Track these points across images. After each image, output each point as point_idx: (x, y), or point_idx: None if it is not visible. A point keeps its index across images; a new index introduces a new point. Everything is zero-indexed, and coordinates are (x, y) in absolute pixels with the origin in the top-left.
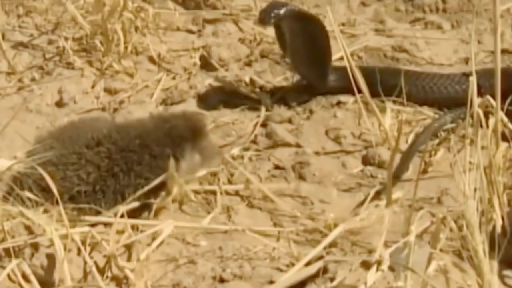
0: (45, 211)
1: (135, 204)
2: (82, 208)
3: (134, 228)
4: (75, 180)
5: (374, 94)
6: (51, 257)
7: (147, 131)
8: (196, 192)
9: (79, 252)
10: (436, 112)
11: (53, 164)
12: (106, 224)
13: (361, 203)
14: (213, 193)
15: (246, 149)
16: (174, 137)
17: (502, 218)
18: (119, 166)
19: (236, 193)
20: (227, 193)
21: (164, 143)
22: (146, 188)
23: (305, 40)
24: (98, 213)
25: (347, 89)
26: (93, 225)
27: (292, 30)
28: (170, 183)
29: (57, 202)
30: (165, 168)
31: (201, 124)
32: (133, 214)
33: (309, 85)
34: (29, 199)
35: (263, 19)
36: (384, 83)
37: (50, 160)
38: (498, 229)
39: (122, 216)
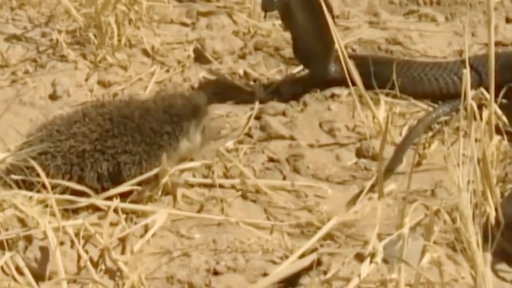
0: (39, 201)
1: (128, 188)
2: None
3: (128, 219)
4: (79, 137)
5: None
6: (44, 250)
7: (147, 107)
8: (190, 185)
9: (72, 244)
10: (430, 104)
11: (60, 121)
12: (97, 209)
13: (355, 196)
14: (207, 186)
15: (240, 142)
16: (173, 115)
17: (496, 210)
18: (119, 129)
19: (231, 185)
20: (221, 185)
21: (163, 120)
22: (138, 179)
23: (309, 24)
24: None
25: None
26: (88, 207)
27: (297, 13)
28: (161, 175)
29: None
30: (162, 145)
31: (202, 104)
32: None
33: (311, 75)
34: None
35: (266, 4)
36: (384, 73)
37: (56, 121)
38: (492, 221)
39: (115, 210)
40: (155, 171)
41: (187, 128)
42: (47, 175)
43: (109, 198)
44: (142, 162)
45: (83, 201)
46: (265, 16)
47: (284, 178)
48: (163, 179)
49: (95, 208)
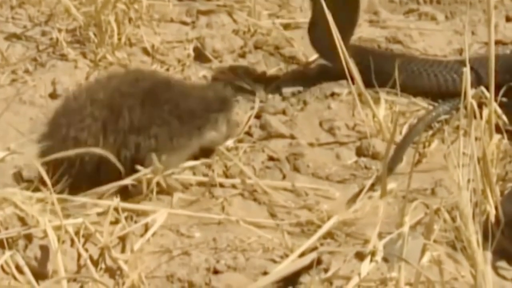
0: (39, 200)
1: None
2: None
3: (128, 218)
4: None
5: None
6: (44, 249)
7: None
8: (189, 184)
9: (72, 243)
10: (430, 103)
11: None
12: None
13: (356, 195)
14: (207, 184)
15: (240, 141)
16: (206, 103)
17: (496, 209)
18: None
19: (231, 184)
20: (221, 184)
21: (197, 105)
22: (133, 176)
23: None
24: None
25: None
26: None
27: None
28: (154, 174)
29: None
30: (191, 129)
31: (229, 96)
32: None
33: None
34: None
35: None
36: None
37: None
38: (492, 220)
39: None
40: (147, 170)
41: (215, 118)
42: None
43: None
44: (173, 140)
45: (83, 200)
46: None
47: (284, 177)
48: (155, 178)
49: None
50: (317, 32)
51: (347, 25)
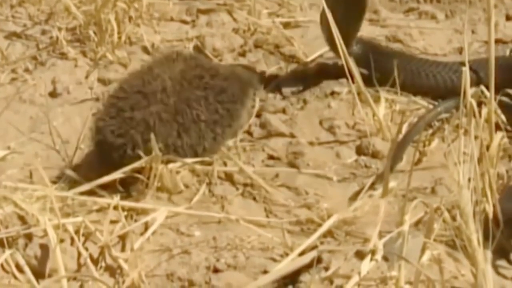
0: (39, 198)
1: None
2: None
3: (128, 216)
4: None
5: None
6: (44, 248)
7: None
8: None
9: (72, 242)
10: (430, 102)
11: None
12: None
13: (356, 194)
14: (207, 183)
15: (240, 140)
16: (239, 81)
17: (494, 208)
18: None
19: (230, 183)
20: (221, 183)
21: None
22: (132, 166)
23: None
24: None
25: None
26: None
27: None
28: (154, 164)
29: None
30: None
31: (252, 84)
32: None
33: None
34: None
35: None
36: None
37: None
38: (491, 219)
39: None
40: (146, 158)
41: (247, 94)
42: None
43: (105, 185)
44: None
45: (82, 198)
46: None
47: (284, 176)
48: (157, 165)
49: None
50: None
51: (353, 20)
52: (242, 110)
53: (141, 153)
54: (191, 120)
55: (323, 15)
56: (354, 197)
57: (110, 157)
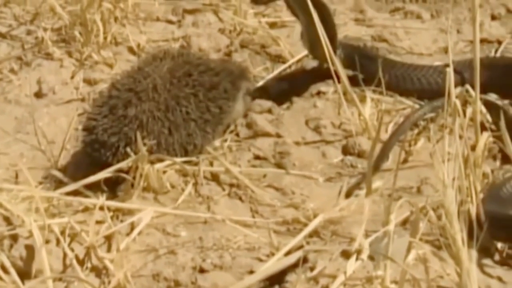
0: (24, 199)
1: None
2: None
3: (114, 217)
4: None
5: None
6: (30, 248)
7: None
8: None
9: (58, 243)
10: (416, 101)
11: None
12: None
13: (342, 193)
14: (193, 183)
15: (227, 140)
16: (231, 77)
17: (478, 208)
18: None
19: (217, 183)
20: (207, 183)
21: (222, 79)
22: (118, 165)
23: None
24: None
25: (348, 67)
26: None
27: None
28: (140, 164)
29: None
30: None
31: (247, 69)
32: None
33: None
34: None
35: None
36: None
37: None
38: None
39: (101, 208)
40: (133, 158)
41: (239, 87)
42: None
43: (91, 186)
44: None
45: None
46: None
47: (270, 175)
48: (143, 165)
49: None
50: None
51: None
52: (235, 105)
53: (131, 153)
54: (181, 118)
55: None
56: (340, 196)
57: (102, 156)
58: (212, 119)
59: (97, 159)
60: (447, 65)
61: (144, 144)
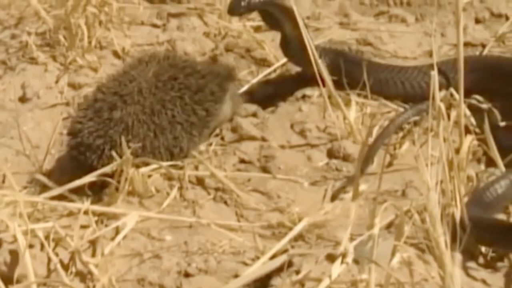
0: (8, 204)
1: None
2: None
3: (99, 221)
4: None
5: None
6: (14, 254)
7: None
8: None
9: (42, 247)
10: (400, 105)
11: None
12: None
13: (327, 197)
14: (178, 187)
15: (212, 144)
16: (216, 77)
17: (462, 211)
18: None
19: (202, 187)
20: (192, 187)
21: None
22: (103, 169)
23: (283, 24)
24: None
25: (332, 73)
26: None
27: (270, 15)
28: (125, 168)
29: None
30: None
31: (232, 70)
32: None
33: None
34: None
35: (233, 9)
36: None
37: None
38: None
39: (86, 212)
40: (118, 162)
41: (226, 89)
42: None
43: (75, 190)
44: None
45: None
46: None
47: (256, 179)
48: (128, 168)
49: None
50: (290, 48)
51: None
52: (222, 107)
53: (116, 156)
54: (166, 121)
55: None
56: (325, 200)
57: (88, 159)
58: (199, 122)
59: (82, 162)
60: (431, 66)
61: (129, 147)
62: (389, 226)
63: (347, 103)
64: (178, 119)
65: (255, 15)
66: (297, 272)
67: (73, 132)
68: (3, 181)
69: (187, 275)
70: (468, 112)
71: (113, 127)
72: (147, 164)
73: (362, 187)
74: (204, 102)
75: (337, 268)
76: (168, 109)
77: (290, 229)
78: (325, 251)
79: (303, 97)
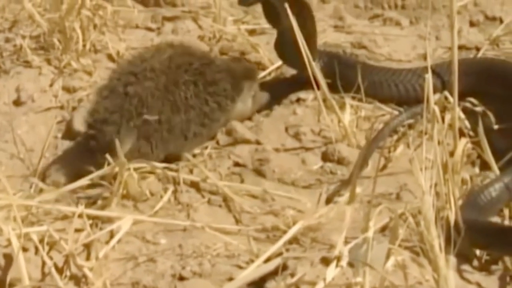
0: (2, 207)
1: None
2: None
3: (93, 225)
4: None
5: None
6: (8, 257)
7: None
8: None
9: (37, 251)
10: (395, 108)
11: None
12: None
13: (321, 200)
14: (173, 191)
15: (206, 147)
16: (232, 74)
17: (456, 214)
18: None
19: (196, 190)
20: (187, 190)
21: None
22: (97, 173)
23: (283, 21)
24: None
25: (327, 76)
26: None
27: (273, 10)
28: (120, 170)
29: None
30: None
31: (254, 68)
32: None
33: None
34: None
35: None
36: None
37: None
38: (453, 225)
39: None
40: (113, 165)
41: (241, 88)
42: None
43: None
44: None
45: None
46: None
47: (250, 182)
48: (122, 172)
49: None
50: (285, 49)
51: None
52: (235, 105)
53: (110, 159)
54: (180, 101)
55: (278, 45)
56: (320, 203)
57: (106, 134)
58: (210, 113)
59: (100, 139)
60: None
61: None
62: (383, 229)
63: (342, 106)
64: (190, 103)
65: (250, 18)
66: (292, 275)
67: (90, 111)
68: None
69: (181, 278)
70: (462, 115)
71: (128, 101)
72: (141, 168)
73: (357, 190)
74: (216, 96)
75: (331, 271)
76: (181, 90)
77: (285, 232)
78: (319, 254)
79: (298, 100)
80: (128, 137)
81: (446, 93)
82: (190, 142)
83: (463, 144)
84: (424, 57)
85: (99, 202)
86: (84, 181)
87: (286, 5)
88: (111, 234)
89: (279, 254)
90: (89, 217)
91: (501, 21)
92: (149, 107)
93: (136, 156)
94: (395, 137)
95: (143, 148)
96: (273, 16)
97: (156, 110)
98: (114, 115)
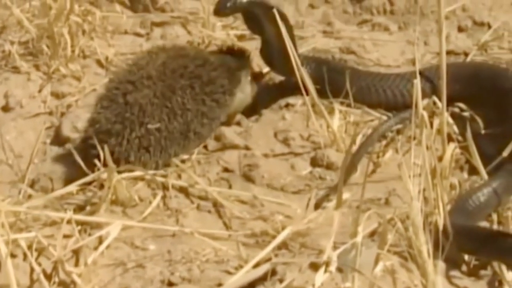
0: None
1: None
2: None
3: (82, 231)
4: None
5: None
6: None
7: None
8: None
9: (25, 257)
10: (384, 113)
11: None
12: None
13: (310, 205)
14: (162, 196)
15: (194, 152)
16: (228, 71)
17: (444, 219)
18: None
19: (185, 195)
20: (176, 196)
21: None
22: (85, 179)
23: (267, 28)
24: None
25: (316, 81)
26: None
27: (255, 18)
28: (108, 176)
29: None
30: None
31: (248, 53)
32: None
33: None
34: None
35: (219, 9)
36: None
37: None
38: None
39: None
40: (102, 170)
41: (238, 79)
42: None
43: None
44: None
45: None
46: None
47: (239, 188)
48: (111, 178)
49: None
50: (271, 56)
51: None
52: (233, 99)
53: (99, 164)
54: (178, 107)
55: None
56: (309, 209)
57: (108, 145)
58: (209, 112)
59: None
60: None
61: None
62: (372, 234)
63: (331, 112)
64: (188, 106)
65: (239, 23)
66: (281, 281)
67: (90, 121)
68: None
69: (170, 284)
70: (450, 120)
71: (129, 111)
72: (130, 172)
73: (346, 195)
74: (213, 94)
75: (320, 277)
76: (178, 96)
77: (274, 237)
78: (308, 260)
79: (287, 105)
80: (131, 149)
81: (435, 98)
82: (190, 143)
83: (452, 149)
84: (413, 62)
85: (88, 207)
86: (72, 187)
87: (274, 12)
88: (100, 240)
89: (268, 259)
90: (78, 223)
91: (489, 27)
92: (149, 116)
93: (137, 165)
94: (384, 142)
95: (143, 157)
96: (255, 24)
97: (157, 118)
98: (116, 125)
